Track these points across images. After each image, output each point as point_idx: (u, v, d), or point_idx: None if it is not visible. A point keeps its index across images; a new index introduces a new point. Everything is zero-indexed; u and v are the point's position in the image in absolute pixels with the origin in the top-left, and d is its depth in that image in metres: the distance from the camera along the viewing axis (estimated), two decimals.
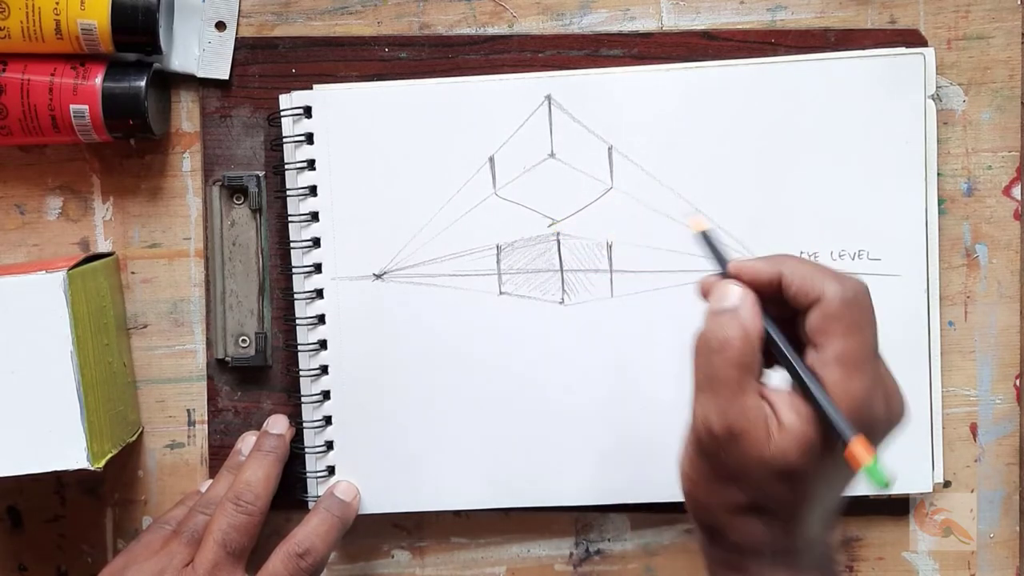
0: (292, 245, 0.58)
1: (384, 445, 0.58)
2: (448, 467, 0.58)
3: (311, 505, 0.58)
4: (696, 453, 0.45)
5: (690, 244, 0.57)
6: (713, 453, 0.43)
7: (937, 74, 0.58)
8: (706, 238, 0.47)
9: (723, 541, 0.45)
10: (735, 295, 0.44)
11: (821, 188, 0.57)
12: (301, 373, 0.58)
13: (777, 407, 0.43)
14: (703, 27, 0.59)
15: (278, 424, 0.58)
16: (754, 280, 0.44)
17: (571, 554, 0.61)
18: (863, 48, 0.58)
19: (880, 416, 0.44)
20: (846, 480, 0.45)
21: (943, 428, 0.58)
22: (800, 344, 0.44)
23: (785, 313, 0.44)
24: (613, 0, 0.59)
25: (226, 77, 0.59)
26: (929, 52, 0.57)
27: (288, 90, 0.58)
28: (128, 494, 0.61)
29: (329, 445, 0.59)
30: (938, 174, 0.58)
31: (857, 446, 0.42)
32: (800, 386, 0.43)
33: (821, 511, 0.45)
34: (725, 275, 0.45)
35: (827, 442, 0.42)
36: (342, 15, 0.59)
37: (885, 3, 0.59)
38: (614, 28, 0.59)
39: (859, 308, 0.44)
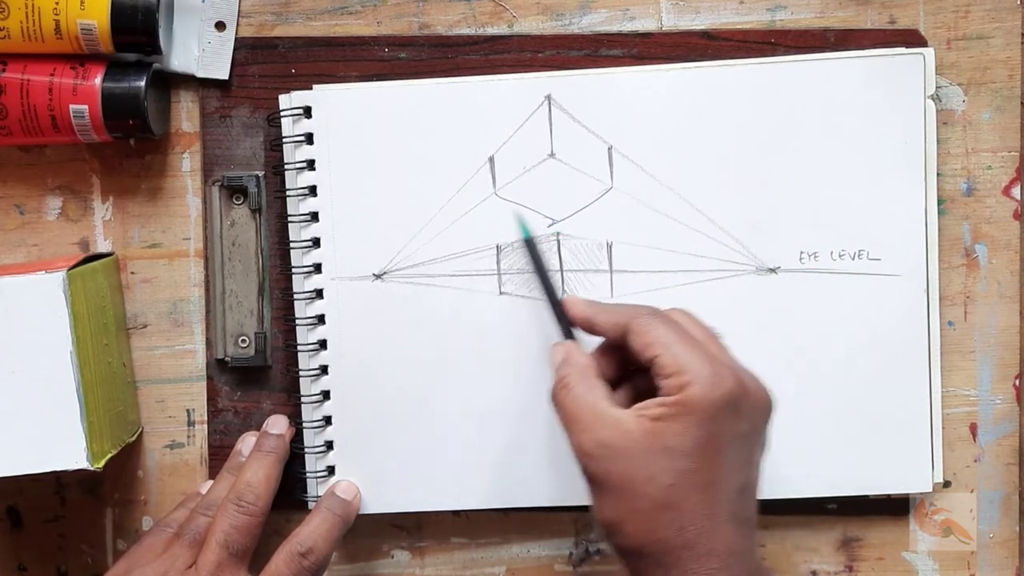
0: (292, 245, 0.58)
1: (384, 445, 0.58)
2: (448, 467, 0.58)
3: (311, 505, 0.58)
4: (593, 488, 0.48)
5: (690, 244, 0.57)
6: (599, 473, 0.47)
7: (937, 74, 0.58)
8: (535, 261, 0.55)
9: (655, 564, 0.46)
10: (557, 354, 0.52)
11: (821, 188, 0.57)
12: (301, 373, 0.58)
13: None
14: (703, 27, 0.59)
15: (278, 424, 0.58)
16: (591, 330, 0.53)
17: (571, 554, 0.61)
18: (863, 48, 0.58)
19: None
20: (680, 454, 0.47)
21: (943, 428, 0.58)
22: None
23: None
24: (613, 0, 0.59)
25: (226, 77, 0.59)
26: (929, 52, 0.57)
27: (288, 90, 0.58)
28: (128, 494, 0.61)
29: (329, 445, 0.59)
30: (938, 174, 0.58)
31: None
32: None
33: (719, 493, 0.47)
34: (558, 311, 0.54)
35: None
36: (342, 15, 0.59)
37: (885, 3, 0.59)
38: (614, 28, 0.59)
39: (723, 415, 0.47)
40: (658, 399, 0.47)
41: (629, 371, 0.51)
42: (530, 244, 0.56)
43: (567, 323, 0.53)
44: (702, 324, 0.51)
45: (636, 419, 0.47)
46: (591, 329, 0.52)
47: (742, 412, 0.47)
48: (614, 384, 0.51)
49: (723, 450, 0.47)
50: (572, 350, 0.52)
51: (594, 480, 0.48)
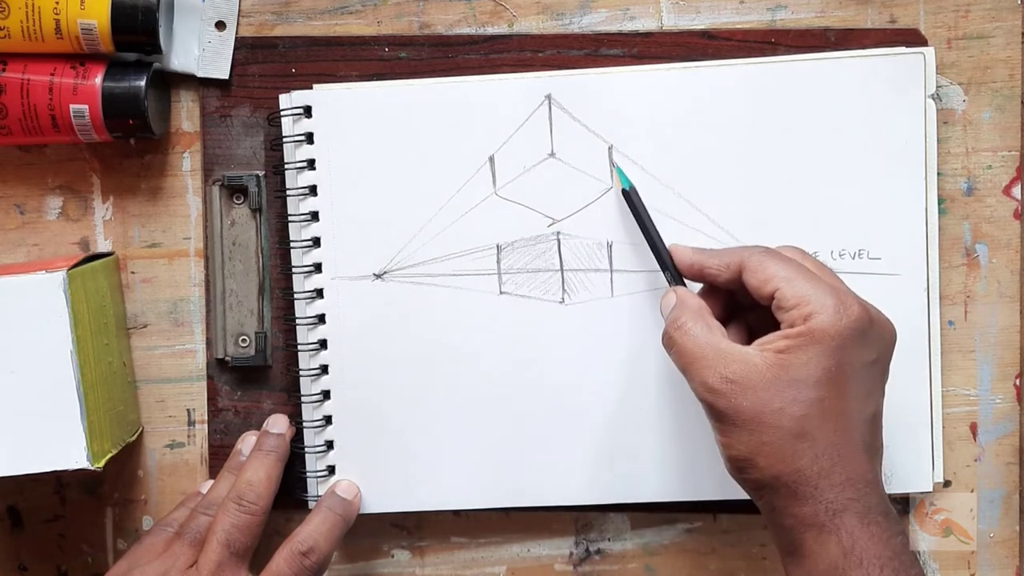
0: (292, 245, 0.58)
1: (384, 445, 0.58)
2: (448, 467, 0.58)
3: (311, 505, 0.58)
4: (721, 426, 0.48)
5: (690, 244, 0.57)
6: (728, 409, 0.47)
7: (937, 74, 0.58)
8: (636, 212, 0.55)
9: (790, 495, 0.46)
10: (669, 299, 0.52)
11: (821, 188, 0.57)
12: (301, 373, 0.58)
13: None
14: (703, 27, 0.59)
15: (278, 424, 0.58)
16: (702, 273, 0.52)
17: (571, 554, 0.61)
18: (863, 48, 0.58)
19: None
20: (821, 377, 0.47)
21: (943, 428, 0.58)
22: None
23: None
24: (613, 0, 0.59)
25: (226, 77, 0.59)
26: (929, 52, 0.57)
27: (288, 90, 0.58)
28: (128, 494, 0.61)
29: (329, 445, 0.59)
30: (938, 174, 0.58)
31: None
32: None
33: (851, 422, 0.47)
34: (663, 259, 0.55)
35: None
36: (342, 15, 0.59)
37: (885, 3, 0.59)
38: (614, 28, 0.59)
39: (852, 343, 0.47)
40: (781, 332, 0.48)
41: (738, 311, 0.52)
42: (631, 194, 0.56)
43: (675, 270, 0.54)
44: (816, 261, 0.51)
45: (761, 353, 0.47)
46: (701, 274, 0.52)
47: (869, 340, 0.48)
48: (724, 324, 0.51)
49: (852, 378, 0.47)
50: (684, 294, 0.52)
51: (722, 417, 0.48)
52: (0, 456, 0.52)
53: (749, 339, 0.50)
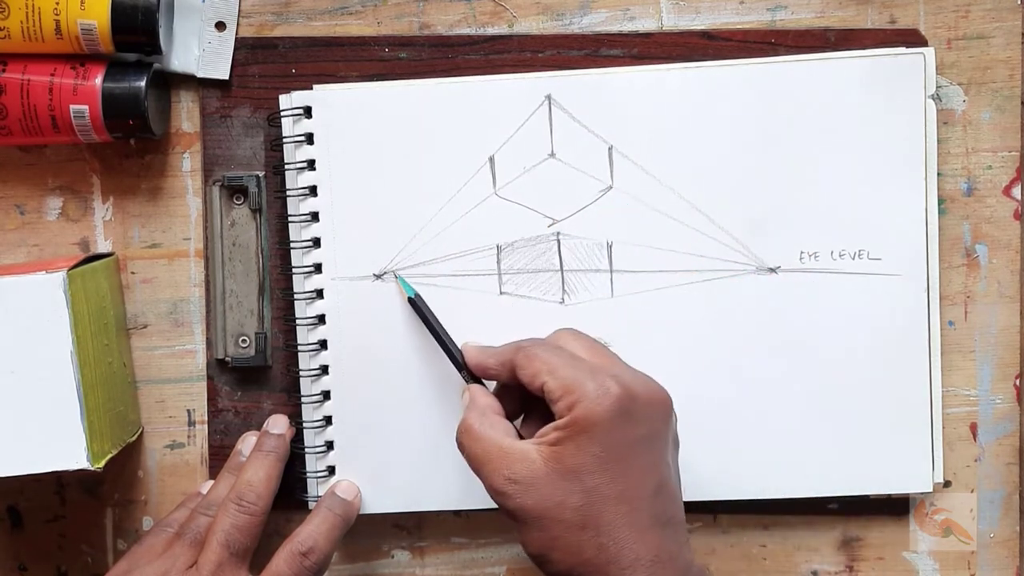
0: (292, 245, 0.58)
1: (384, 445, 0.58)
2: (448, 467, 0.58)
3: (311, 505, 0.58)
4: (516, 524, 0.48)
5: (690, 244, 0.57)
6: (516, 509, 0.48)
7: (937, 74, 0.58)
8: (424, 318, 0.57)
9: None
10: (464, 399, 0.53)
11: (821, 188, 0.57)
12: (301, 373, 0.58)
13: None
14: (703, 27, 0.59)
15: (278, 424, 0.58)
16: (484, 374, 0.53)
17: None
18: (863, 48, 0.58)
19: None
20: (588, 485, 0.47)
21: (943, 428, 0.58)
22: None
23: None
24: (613, 0, 0.59)
25: (226, 77, 0.59)
26: (929, 52, 0.57)
27: (288, 90, 0.58)
28: (128, 494, 0.61)
29: (329, 445, 0.59)
30: (938, 174, 0.58)
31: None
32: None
33: (632, 502, 0.47)
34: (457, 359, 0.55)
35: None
36: (342, 15, 0.59)
37: (885, 3, 0.59)
38: (614, 28, 0.59)
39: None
40: (553, 423, 0.48)
41: (536, 401, 0.52)
42: (416, 303, 0.57)
43: (467, 369, 0.54)
44: (587, 339, 0.52)
45: (537, 448, 0.48)
46: (485, 374, 0.53)
47: (634, 417, 0.48)
48: (525, 415, 0.52)
49: (625, 458, 0.47)
50: (475, 393, 0.53)
51: (513, 516, 0.48)
52: (0, 456, 0.52)
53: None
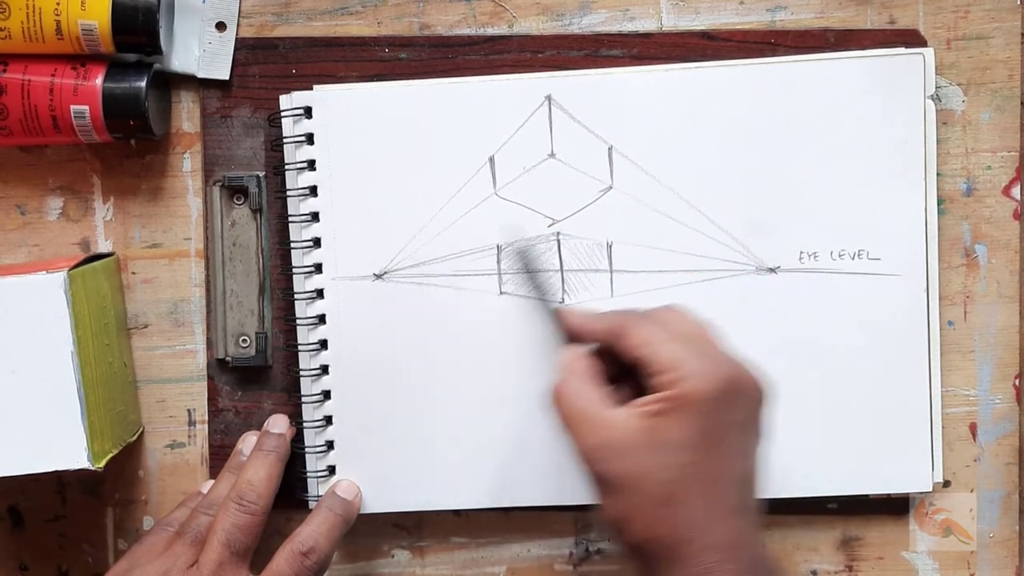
0: (292, 245, 0.58)
1: (384, 445, 0.59)
2: (448, 467, 0.58)
3: (312, 505, 0.58)
4: (598, 488, 0.48)
5: (690, 244, 0.57)
6: (602, 473, 0.48)
7: (936, 74, 0.58)
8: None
9: (661, 560, 0.47)
10: (557, 360, 0.52)
11: (821, 188, 0.57)
12: (301, 373, 0.58)
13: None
14: (703, 27, 0.59)
15: (279, 424, 0.59)
16: (584, 338, 0.53)
17: (571, 554, 0.61)
18: (863, 48, 0.58)
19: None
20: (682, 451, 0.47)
21: (943, 428, 0.58)
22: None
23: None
24: (613, 0, 0.59)
25: (226, 77, 0.59)
26: (928, 52, 0.57)
27: (288, 90, 0.58)
28: (129, 494, 0.61)
29: (329, 445, 0.59)
30: (937, 174, 0.58)
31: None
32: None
33: (721, 485, 0.47)
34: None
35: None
36: (342, 15, 0.60)
37: (885, 3, 0.59)
38: (614, 28, 0.59)
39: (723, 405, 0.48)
40: (654, 395, 0.48)
41: (627, 371, 0.52)
42: (524, 254, 0.56)
43: (564, 330, 0.54)
44: (692, 318, 0.51)
45: (634, 417, 0.48)
46: (582, 338, 0.53)
47: (737, 402, 0.48)
48: (614, 383, 0.51)
49: (721, 441, 0.47)
50: (571, 354, 0.52)
51: (598, 480, 0.48)
52: (1, 456, 0.52)
53: (635, 398, 0.49)
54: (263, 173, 0.59)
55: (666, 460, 0.47)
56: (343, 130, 0.58)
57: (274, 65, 0.59)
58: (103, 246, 0.61)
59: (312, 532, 0.55)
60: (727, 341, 0.50)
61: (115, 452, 0.56)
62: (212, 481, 0.58)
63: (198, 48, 0.59)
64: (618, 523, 0.48)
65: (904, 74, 0.57)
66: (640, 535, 0.47)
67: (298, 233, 0.58)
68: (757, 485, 0.49)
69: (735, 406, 0.48)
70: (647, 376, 0.48)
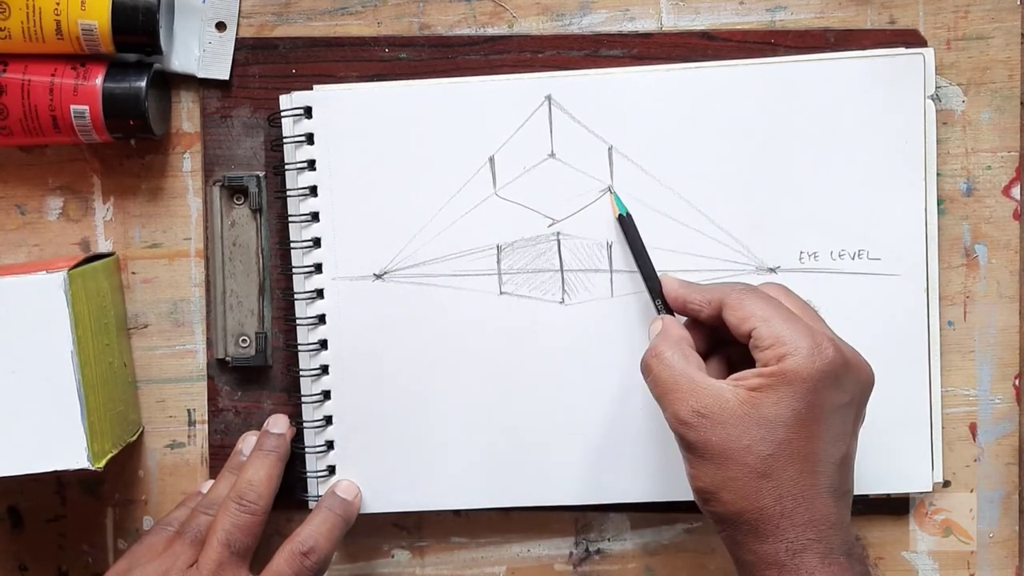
0: (292, 245, 0.58)
1: (384, 445, 0.59)
2: (448, 467, 0.58)
3: (312, 505, 0.58)
4: (691, 456, 0.48)
5: (690, 244, 0.57)
6: (697, 441, 0.47)
7: (936, 74, 0.58)
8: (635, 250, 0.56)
9: (752, 532, 0.47)
10: (654, 327, 0.53)
11: (821, 188, 0.57)
12: (301, 373, 0.58)
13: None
14: (703, 27, 0.59)
15: (279, 424, 0.59)
16: (687, 306, 0.53)
17: (571, 554, 0.61)
18: (863, 48, 0.58)
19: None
20: (799, 424, 0.47)
21: (942, 428, 0.58)
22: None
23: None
24: (613, 0, 0.59)
25: (226, 77, 0.59)
26: (928, 52, 0.57)
27: (288, 90, 0.58)
28: (128, 494, 0.61)
29: (329, 445, 0.59)
30: (937, 174, 0.58)
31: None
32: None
33: (818, 464, 0.47)
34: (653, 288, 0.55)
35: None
36: (342, 15, 0.60)
37: (884, 3, 0.59)
38: (614, 28, 0.59)
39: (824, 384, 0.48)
40: (756, 370, 0.48)
41: (721, 345, 0.52)
42: (626, 221, 0.56)
43: (663, 299, 0.54)
44: (798, 298, 0.52)
45: (733, 389, 0.48)
46: (684, 308, 0.53)
47: (842, 384, 0.48)
48: (705, 357, 0.52)
49: (822, 421, 0.47)
50: (668, 323, 0.52)
51: (691, 448, 0.48)
52: (0, 456, 0.52)
53: (729, 373, 0.50)
54: (263, 173, 0.59)
55: (765, 434, 0.47)
56: (343, 130, 0.58)
57: (274, 65, 0.59)
58: (103, 246, 0.61)
59: (312, 532, 0.55)
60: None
61: (115, 452, 0.56)
62: (212, 481, 0.58)
63: (198, 48, 0.59)
64: (710, 492, 0.48)
65: (904, 74, 0.57)
66: (733, 506, 0.47)
67: (298, 233, 0.58)
68: (852, 469, 0.50)
69: (839, 388, 0.48)
70: (752, 349, 0.49)
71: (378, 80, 0.59)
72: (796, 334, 0.48)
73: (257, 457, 0.57)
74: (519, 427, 0.58)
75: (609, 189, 0.56)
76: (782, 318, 0.48)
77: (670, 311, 0.54)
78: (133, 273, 0.60)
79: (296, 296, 0.58)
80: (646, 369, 0.51)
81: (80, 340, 0.53)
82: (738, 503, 0.47)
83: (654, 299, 0.55)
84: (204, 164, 0.60)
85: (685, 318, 0.54)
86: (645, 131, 0.57)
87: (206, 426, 0.61)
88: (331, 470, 0.59)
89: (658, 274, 0.55)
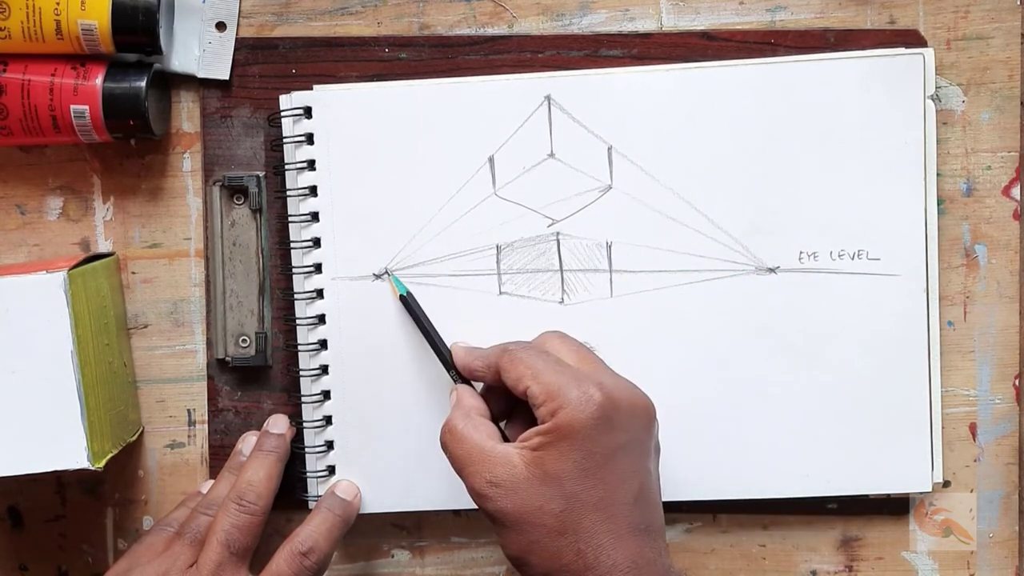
0: (292, 245, 0.58)
1: (384, 445, 0.59)
2: (448, 467, 0.58)
3: (311, 505, 0.58)
4: (495, 527, 0.49)
5: (690, 244, 0.57)
6: (496, 511, 0.48)
7: (936, 74, 0.58)
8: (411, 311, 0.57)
9: None
10: (451, 399, 0.54)
11: (821, 188, 0.57)
12: (301, 373, 0.58)
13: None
14: (703, 27, 0.59)
15: (278, 424, 0.59)
16: (471, 375, 0.54)
17: None
18: (863, 48, 0.58)
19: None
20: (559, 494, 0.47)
21: (942, 428, 0.58)
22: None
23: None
24: (613, 0, 0.59)
25: (226, 77, 0.59)
26: (928, 52, 0.57)
27: (288, 90, 0.58)
28: (128, 494, 0.61)
29: (329, 445, 0.59)
30: (937, 174, 0.58)
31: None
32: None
33: (612, 508, 0.47)
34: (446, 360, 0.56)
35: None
36: (342, 15, 0.60)
37: (884, 3, 0.59)
38: (614, 28, 0.59)
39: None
40: (536, 428, 0.48)
41: (521, 405, 0.52)
42: (407, 300, 0.57)
43: (456, 369, 0.55)
44: (573, 343, 0.52)
45: (519, 452, 0.48)
46: (472, 375, 0.54)
47: (616, 425, 0.48)
48: (509, 417, 0.52)
49: (605, 466, 0.47)
50: (462, 394, 0.53)
51: (492, 518, 0.49)
52: (0, 456, 0.52)
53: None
54: (263, 173, 0.59)
55: (554, 492, 0.47)
56: (343, 130, 0.58)
57: (274, 65, 0.59)
58: (103, 246, 0.61)
59: (311, 532, 0.55)
60: (612, 359, 0.51)
61: (115, 452, 0.56)
62: (212, 481, 0.59)
63: (198, 48, 0.59)
64: (519, 558, 0.48)
65: (904, 74, 0.57)
66: (541, 568, 0.47)
67: (298, 233, 0.58)
68: (655, 502, 0.50)
69: (615, 429, 0.48)
70: (532, 407, 0.49)
71: (378, 80, 0.59)
72: (564, 385, 0.48)
73: (257, 457, 0.57)
74: None
75: (388, 271, 0.57)
76: (552, 371, 0.49)
77: (465, 380, 0.54)
78: (133, 273, 0.60)
79: (296, 296, 0.58)
80: (442, 445, 0.51)
81: (80, 340, 0.53)
82: (544, 564, 0.47)
83: (448, 370, 0.55)
84: (204, 164, 0.60)
85: (482, 384, 0.54)
86: (645, 131, 0.57)
87: (206, 426, 0.61)
88: (331, 470, 0.59)
89: (448, 344, 0.56)
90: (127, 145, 0.60)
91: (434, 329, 0.56)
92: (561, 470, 0.47)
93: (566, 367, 0.49)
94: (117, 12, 0.54)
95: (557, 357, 0.50)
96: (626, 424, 0.48)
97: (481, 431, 0.50)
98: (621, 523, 0.47)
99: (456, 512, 0.61)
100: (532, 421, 0.50)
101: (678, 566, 0.52)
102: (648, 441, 0.50)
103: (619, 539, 0.47)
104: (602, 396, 0.48)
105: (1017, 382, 0.60)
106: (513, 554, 0.48)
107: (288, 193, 0.58)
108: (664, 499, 0.58)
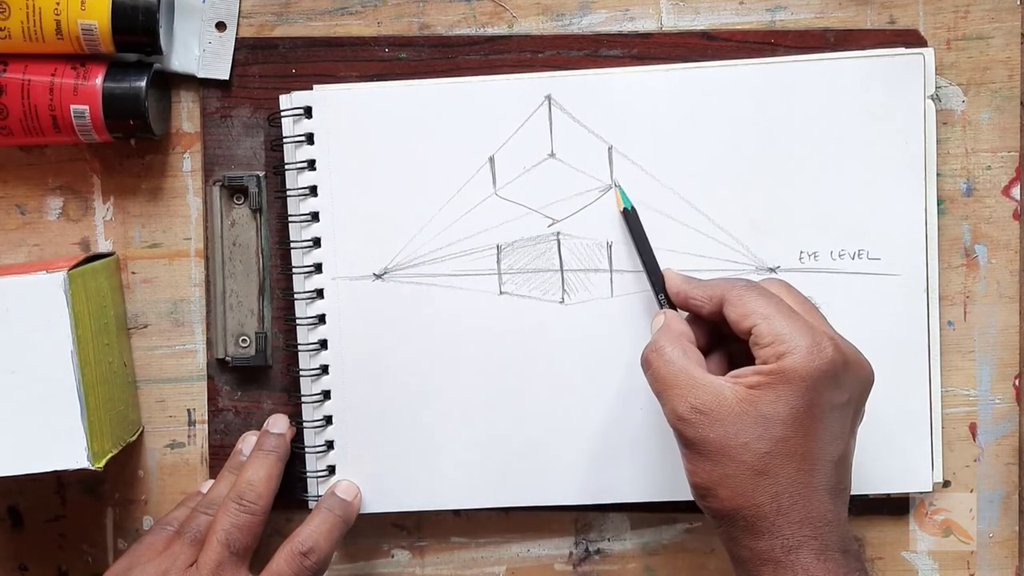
0: (292, 245, 0.58)
1: (384, 445, 0.59)
2: (448, 467, 0.58)
3: (311, 505, 0.58)
4: (688, 453, 0.48)
5: (690, 244, 0.57)
6: (695, 438, 0.48)
7: (936, 74, 0.58)
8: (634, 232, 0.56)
9: (748, 528, 0.47)
10: (656, 321, 0.53)
11: (821, 188, 0.57)
12: (301, 373, 0.58)
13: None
14: (703, 27, 0.59)
15: (279, 424, 0.59)
16: (689, 302, 0.53)
17: (571, 554, 0.61)
18: (862, 48, 0.58)
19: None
20: (802, 421, 0.47)
21: (942, 428, 0.58)
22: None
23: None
24: (613, 0, 0.59)
25: (226, 77, 0.59)
26: (928, 52, 0.57)
27: (288, 90, 0.58)
28: (128, 494, 0.61)
29: (329, 445, 0.59)
30: (937, 174, 0.58)
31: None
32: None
33: (815, 463, 0.47)
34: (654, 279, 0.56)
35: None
36: (342, 15, 0.60)
37: (884, 3, 0.59)
38: (614, 28, 0.59)
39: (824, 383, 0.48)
40: (755, 367, 0.48)
41: (722, 341, 0.52)
42: (631, 215, 0.56)
43: (666, 294, 0.54)
44: (799, 295, 0.52)
45: (731, 386, 0.48)
46: (686, 303, 0.53)
47: (841, 383, 0.48)
48: (706, 353, 0.52)
49: (820, 420, 0.47)
50: (670, 318, 0.52)
51: (689, 444, 0.48)
52: (0, 456, 0.52)
53: (729, 370, 0.50)
54: (263, 173, 0.59)
55: (763, 432, 0.47)
56: (343, 130, 0.58)
57: (274, 65, 0.59)
58: (103, 246, 0.61)
59: (311, 532, 0.55)
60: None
61: (115, 452, 0.56)
62: (212, 481, 0.59)
63: (198, 48, 0.59)
64: (707, 488, 0.48)
65: (904, 74, 0.57)
66: (730, 503, 0.47)
67: (298, 233, 0.58)
68: (850, 467, 0.50)
69: (838, 387, 0.48)
70: (752, 346, 0.49)
71: (378, 80, 0.59)
72: (796, 332, 0.48)
73: (257, 457, 0.57)
74: (519, 427, 0.58)
75: (615, 183, 0.56)
76: (782, 315, 0.48)
77: (672, 306, 0.54)
78: (133, 273, 0.60)
79: (296, 296, 0.58)
80: (646, 364, 0.51)
81: (80, 340, 0.53)
82: (735, 500, 0.47)
83: (656, 294, 0.55)
84: (204, 164, 0.60)
85: (687, 313, 0.54)
86: (645, 131, 0.57)
87: (206, 426, 0.61)
88: (331, 470, 0.59)
89: (661, 269, 0.55)
90: (127, 145, 0.60)
91: (650, 250, 0.56)
92: (776, 412, 0.47)
93: (797, 315, 0.49)
94: (117, 12, 0.54)
95: (787, 302, 0.50)
96: (849, 385, 0.48)
97: (691, 356, 0.50)
98: (820, 479, 0.47)
99: (456, 512, 0.61)
100: (731, 361, 0.50)
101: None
102: (862, 407, 0.50)
103: (815, 493, 0.47)
104: (834, 351, 0.47)
105: (1017, 382, 0.60)
106: (701, 482, 0.48)
107: (288, 193, 0.58)
108: (664, 499, 0.58)
